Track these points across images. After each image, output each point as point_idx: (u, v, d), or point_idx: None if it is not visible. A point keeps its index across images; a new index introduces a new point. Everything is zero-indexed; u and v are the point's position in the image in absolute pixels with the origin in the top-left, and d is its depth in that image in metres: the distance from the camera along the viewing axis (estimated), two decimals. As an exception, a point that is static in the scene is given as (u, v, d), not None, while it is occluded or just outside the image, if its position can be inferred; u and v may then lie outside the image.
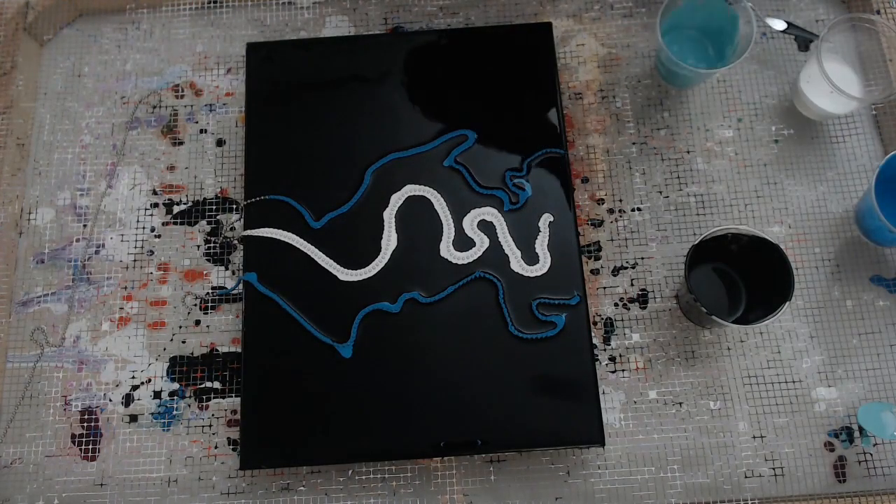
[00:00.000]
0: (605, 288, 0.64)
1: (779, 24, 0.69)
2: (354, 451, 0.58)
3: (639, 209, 0.66)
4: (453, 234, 0.62)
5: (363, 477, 0.59)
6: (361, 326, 0.60)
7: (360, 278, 0.61)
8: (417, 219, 0.63)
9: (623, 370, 0.62)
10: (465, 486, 0.59)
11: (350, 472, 0.60)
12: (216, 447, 0.60)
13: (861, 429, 0.60)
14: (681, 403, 0.61)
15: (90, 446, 0.60)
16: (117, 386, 0.62)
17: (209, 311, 0.64)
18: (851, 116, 0.68)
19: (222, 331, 0.63)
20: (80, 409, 0.61)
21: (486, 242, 0.62)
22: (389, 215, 0.63)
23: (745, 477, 0.59)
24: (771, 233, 0.65)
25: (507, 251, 0.61)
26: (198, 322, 0.63)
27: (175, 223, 0.66)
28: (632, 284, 0.64)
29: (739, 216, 0.65)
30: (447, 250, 0.62)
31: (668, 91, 0.69)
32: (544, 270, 0.61)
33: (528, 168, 0.64)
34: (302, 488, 0.59)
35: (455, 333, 0.59)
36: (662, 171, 0.67)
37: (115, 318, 0.64)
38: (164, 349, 0.63)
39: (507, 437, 0.57)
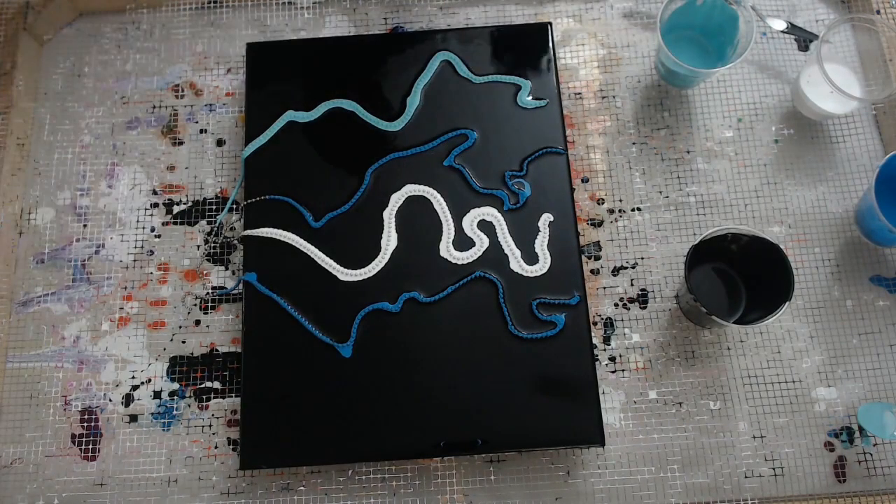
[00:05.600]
0: (605, 288, 0.64)
1: (779, 24, 0.69)
2: (354, 451, 0.58)
3: (639, 209, 0.66)
4: (453, 234, 0.62)
5: (363, 477, 0.59)
6: (361, 326, 0.60)
7: (360, 278, 0.61)
8: (417, 219, 0.63)
9: (623, 370, 0.62)
10: (465, 486, 0.59)
11: (350, 472, 0.60)
12: (216, 447, 0.60)
13: (861, 429, 0.60)
14: (681, 403, 0.61)
15: (90, 446, 0.60)
16: (117, 386, 0.62)
17: (209, 311, 0.64)
18: (851, 116, 0.68)
19: (222, 331, 0.63)
20: (80, 409, 0.61)
21: (486, 242, 0.62)
22: (389, 215, 0.63)
23: (745, 477, 0.59)
24: (771, 233, 0.65)
25: (506, 251, 0.62)
26: (198, 322, 0.63)
27: (175, 223, 0.66)
28: (632, 284, 0.64)
29: (739, 216, 0.65)
30: (447, 250, 0.62)
31: (668, 91, 0.69)
32: (544, 270, 0.61)
33: (527, 168, 0.64)
34: (302, 488, 0.59)
35: (455, 333, 0.59)
36: (662, 171, 0.67)
37: (115, 318, 0.64)
38: (164, 349, 0.63)
39: (507, 437, 0.57)
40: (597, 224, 0.65)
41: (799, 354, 0.62)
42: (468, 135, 0.64)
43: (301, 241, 0.62)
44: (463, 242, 0.62)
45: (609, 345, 0.62)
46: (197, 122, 0.69)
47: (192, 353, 0.63)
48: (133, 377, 0.62)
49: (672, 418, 0.60)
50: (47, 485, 0.60)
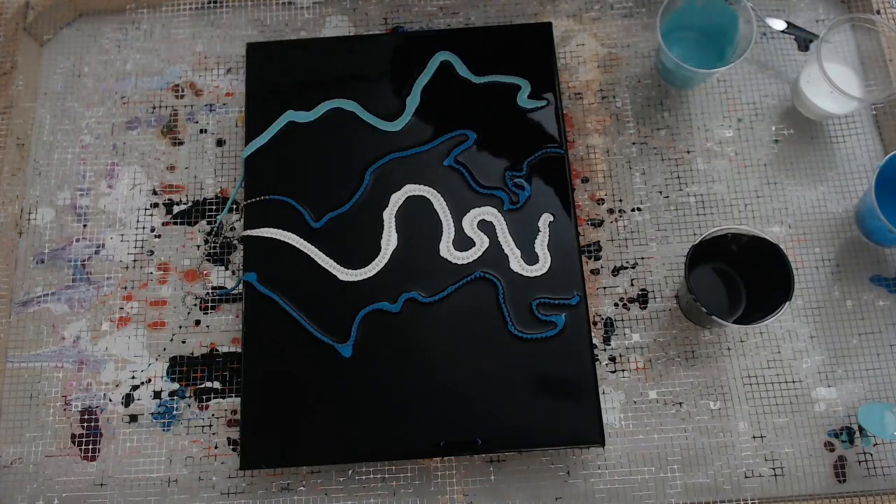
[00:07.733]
0: (605, 288, 0.64)
1: (779, 24, 0.69)
2: (354, 451, 0.58)
3: (639, 209, 0.66)
4: (453, 233, 0.62)
5: (363, 477, 0.59)
6: (361, 326, 0.60)
7: (360, 278, 0.61)
8: (417, 219, 0.63)
9: (623, 370, 0.62)
10: (465, 486, 0.59)
11: (350, 472, 0.60)
12: (216, 447, 0.60)
13: (861, 429, 0.60)
14: (681, 403, 0.61)
15: (90, 446, 0.61)
16: (117, 386, 0.62)
17: (209, 311, 0.64)
18: (851, 116, 0.68)
19: (222, 331, 0.63)
20: (80, 409, 0.61)
21: (486, 242, 0.62)
22: (389, 215, 0.63)
23: (745, 477, 0.59)
24: (771, 233, 0.65)
25: (506, 251, 0.62)
26: (198, 322, 0.63)
27: (175, 223, 0.66)
28: (632, 284, 0.64)
29: (739, 216, 0.65)
30: (447, 250, 0.62)
31: (668, 91, 0.69)
32: (544, 270, 0.61)
33: (527, 168, 0.64)
34: (302, 488, 0.59)
35: (455, 333, 0.59)
36: (662, 171, 0.67)
37: (115, 318, 0.64)
38: (164, 349, 0.63)
39: (507, 437, 0.57)
40: (597, 224, 0.65)
41: (799, 354, 0.62)
42: (468, 135, 0.64)
43: (301, 241, 0.62)
44: (463, 242, 0.62)
45: (609, 345, 0.62)
46: (197, 122, 0.69)
47: (192, 353, 0.63)
48: (133, 377, 0.62)
49: (672, 418, 0.60)
50: (47, 485, 0.60)
